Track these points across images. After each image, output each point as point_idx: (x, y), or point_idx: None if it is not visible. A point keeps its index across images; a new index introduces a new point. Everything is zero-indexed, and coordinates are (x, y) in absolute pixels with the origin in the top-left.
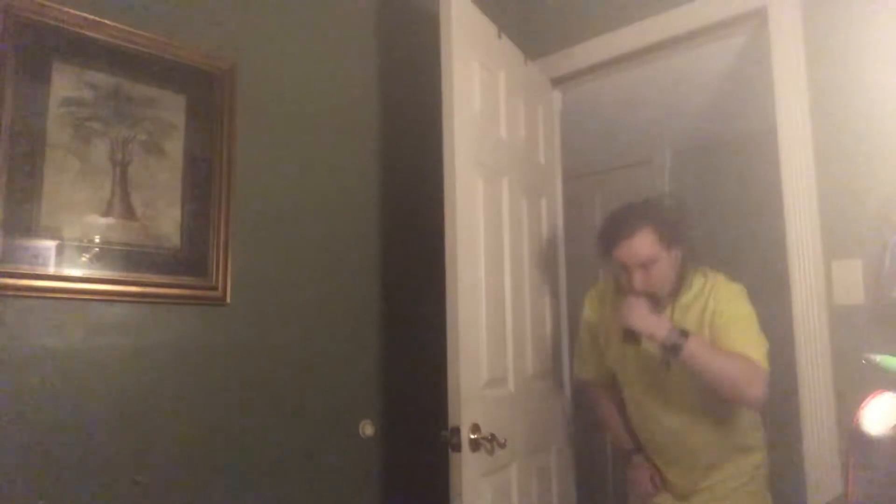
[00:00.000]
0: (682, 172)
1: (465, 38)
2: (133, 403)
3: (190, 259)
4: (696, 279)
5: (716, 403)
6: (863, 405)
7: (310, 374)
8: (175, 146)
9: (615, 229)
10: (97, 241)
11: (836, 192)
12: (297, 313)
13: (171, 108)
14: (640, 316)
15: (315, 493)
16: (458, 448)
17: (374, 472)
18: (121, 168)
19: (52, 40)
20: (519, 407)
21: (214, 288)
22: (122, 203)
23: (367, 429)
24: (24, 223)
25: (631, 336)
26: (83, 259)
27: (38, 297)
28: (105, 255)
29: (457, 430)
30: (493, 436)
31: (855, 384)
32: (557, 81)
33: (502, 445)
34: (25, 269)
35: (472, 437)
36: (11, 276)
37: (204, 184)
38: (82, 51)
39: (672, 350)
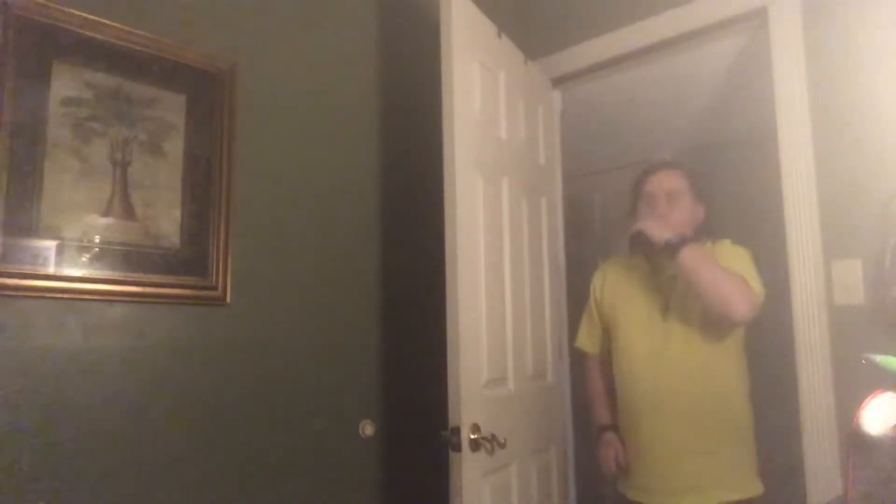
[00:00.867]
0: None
1: (465, 38)
2: (133, 403)
3: (190, 259)
4: (709, 246)
5: (718, 369)
6: (863, 405)
7: (310, 374)
8: (175, 146)
9: (649, 167)
10: (97, 241)
11: (836, 192)
12: (297, 313)
13: (171, 108)
14: (653, 221)
15: (315, 493)
16: (458, 448)
17: (374, 472)
18: (121, 168)
19: (52, 40)
20: (519, 407)
21: (214, 288)
22: (122, 203)
23: (367, 429)
24: (24, 223)
25: (637, 242)
26: (83, 259)
27: (38, 297)
28: (105, 255)
29: (457, 430)
30: (493, 436)
31: (855, 384)
32: (557, 81)
33: (502, 445)
34: (25, 269)
35: (472, 437)
36: (11, 276)
37: (204, 184)
38: (82, 51)
39: (673, 249)
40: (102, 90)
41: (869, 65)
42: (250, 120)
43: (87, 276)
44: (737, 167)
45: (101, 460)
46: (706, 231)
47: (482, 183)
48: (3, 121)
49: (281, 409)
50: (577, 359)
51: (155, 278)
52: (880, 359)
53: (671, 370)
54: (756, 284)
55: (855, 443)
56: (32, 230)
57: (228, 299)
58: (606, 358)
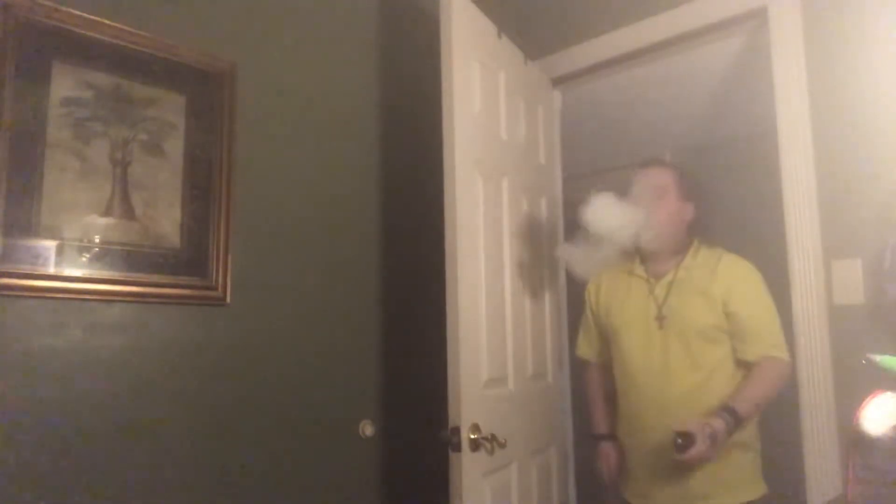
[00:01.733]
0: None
1: (465, 38)
2: (133, 403)
3: (190, 259)
4: (703, 251)
5: (718, 376)
6: (863, 405)
7: (310, 374)
8: (175, 146)
9: (639, 164)
10: (97, 241)
11: (836, 192)
12: (297, 313)
13: (171, 108)
14: (699, 450)
15: (315, 493)
16: (458, 448)
17: (374, 472)
18: (121, 168)
19: (52, 40)
20: (519, 407)
21: (214, 288)
22: (122, 203)
23: (367, 429)
24: (24, 223)
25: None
26: (83, 259)
27: (38, 297)
28: (105, 255)
29: (457, 430)
30: (493, 436)
31: (855, 384)
32: (557, 81)
33: (502, 445)
34: (25, 269)
35: (472, 437)
36: (11, 276)
37: (204, 184)
38: (82, 51)
39: (736, 428)
40: (102, 90)
41: (869, 65)
42: (250, 120)
43: (87, 276)
44: (737, 167)
45: (101, 460)
46: (698, 231)
47: (482, 183)
48: (3, 121)
49: (281, 410)
50: (577, 359)
51: (155, 278)
52: (880, 359)
53: (671, 379)
54: (781, 346)
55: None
56: (32, 230)
57: (228, 299)
58: (607, 362)
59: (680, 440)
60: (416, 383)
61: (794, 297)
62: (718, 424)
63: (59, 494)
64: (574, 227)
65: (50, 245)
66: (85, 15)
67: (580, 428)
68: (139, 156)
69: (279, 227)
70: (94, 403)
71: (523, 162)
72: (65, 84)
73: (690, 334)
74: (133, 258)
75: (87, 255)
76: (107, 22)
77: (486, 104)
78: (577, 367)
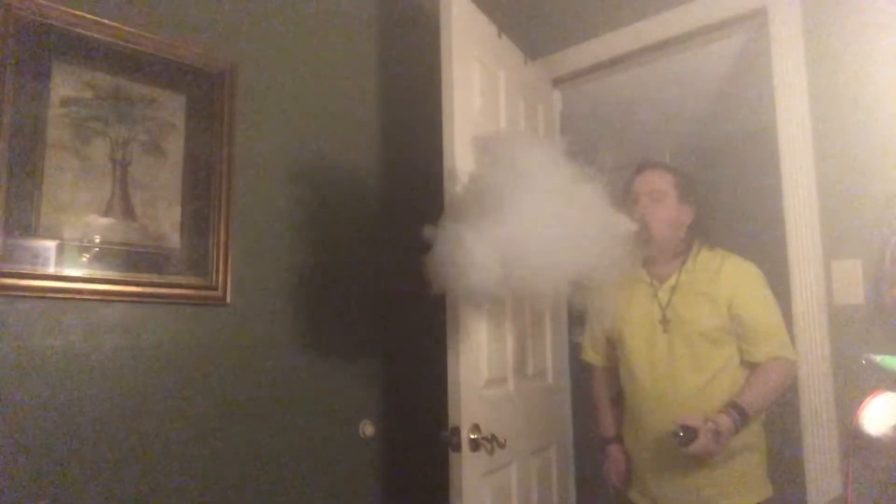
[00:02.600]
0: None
1: (465, 38)
2: (133, 403)
3: (190, 259)
4: (704, 252)
5: (723, 380)
6: (863, 405)
7: (310, 374)
8: (175, 146)
9: (637, 166)
10: (97, 241)
11: (836, 192)
12: (297, 313)
13: (171, 108)
14: (702, 444)
15: (315, 493)
16: (458, 448)
17: (374, 472)
18: (121, 168)
19: (52, 40)
20: (519, 407)
21: (214, 288)
22: (122, 203)
23: (367, 429)
24: (24, 223)
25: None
26: (83, 259)
27: (38, 297)
28: (105, 255)
29: (457, 430)
30: (493, 436)
31: (855, 384)
32: (557, 81)
33: (502, 445)
34: (25, 269)
35: (472, 437)
36: (11, 276)
37: (204, 184)
38: (82, 51)
39: (743, 425)
40: (102, 90)
41: (869, 65)
42: (250, 120)
43: (87, 276)
44: (737, 167)
45: (101, 459)
46: (698, 233)
47: None
48: (3, 121)
49: (281, 409)
50: (581, 362)
51: (155, 278)
52: (880, 359)
53: (677, 382)
54: (787, 345)
55: (855, 443)
56: (32, 230)
57: (228, 299)
58: (613, 366)
59: (681, 433)
60: (416, 383)
61: (794, 297)
62: (724, 421)
63: (58, 494)
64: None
65: (50, 245)
66: (85, 15)
67: (580, 428)
68: (139, 156)
69: (279, 227)
70: (94, 403)
71: None
72: (65, 84)
73: (695, 337)
74: (133, 258)
75: (87, 255)
76: (107, 22)
77: (486, 104)
78: (577, 368)
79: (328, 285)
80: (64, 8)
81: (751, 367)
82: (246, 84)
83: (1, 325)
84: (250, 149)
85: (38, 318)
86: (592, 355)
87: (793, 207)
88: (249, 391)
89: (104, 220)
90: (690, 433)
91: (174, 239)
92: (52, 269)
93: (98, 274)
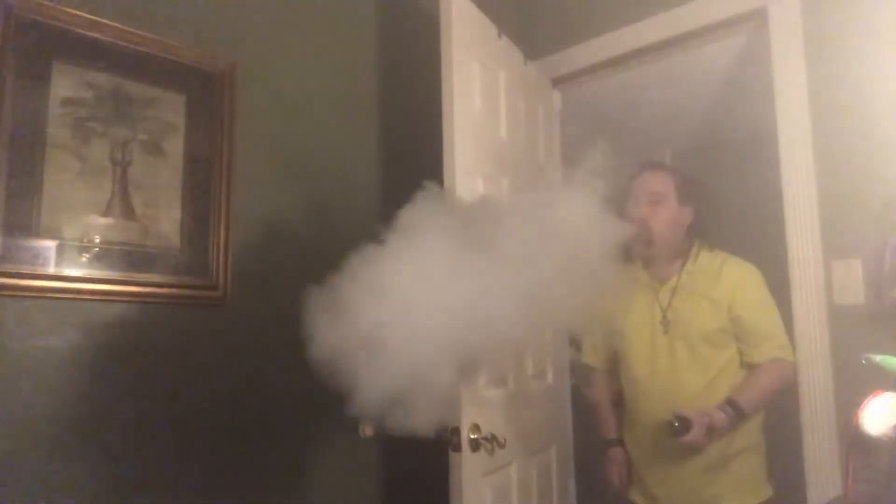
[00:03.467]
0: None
1: (465, 38)
2: (133, 403)
3: (190, 259)
4: (704, 253)
5: (723, 383)
6: (863, 405)
7: (310, 374)
8: (175, 146)
9: (637, 168)
10: (97, 241)
11: (836, 192)
12: (297, 313)
13: (171, 108)
14: (695, 436)
15: (315, 493)
16: (458, 448)
17: (374, 472)
18: (121, 168)
19: (52, 40)
20: (519, 407)
21: (214, 288)
22: (122, 203)
23: (367, 429)
24: (24, 223)
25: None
26: (83, 259)
27: (38, 297)
28: (105, 255)
29: (457, 430)
30: (493, 436)
31: (855, 384)
32: (557, 81)
33: (502, 445)
34: (25, 269)
35: (472, 437)
36: (11, 276)
37: (204, 184)
38: (82, 51)
39: (738, 422)
40: (102, 90)
41: (869, 65)
42: (250, 120)
43: (87, 276)
44: (737, 167)
45: (101, 459)
46: (697, 233)
47: (482, 183)
48: (3, 121)
49: (281, 409)
50: (583, 364)
51: (155, 278)
52: (880, 359)
53: (677, 384)
54: (786, 347)
55: (855, 443)
56: (32, 230)
57: (228, 299)
58: (613, 367)
59: (677, 423)
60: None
61: (794, 298)
62: (719, 416)
63: (58, 494)
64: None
65: (50, 245)
66: (85, 15)
67: (580, 428)
68: (139, 156)
69: (279, 227)
70: (93, 403)
71: (523, 162)
72: (65, 84)
73: (696, 339)
74: (133, 258)
75: (87, 255)
76: (107, 22)
77: (486, 104)
78: (577, 368)
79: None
80: (64, 8)
81: (750, 368)
82: (246, 84)
83: (1, 325)
84: (250, 149)
85: (38, 318)
86: (592, 357)
87: (793, 207)
88: (249, 391)
89: (104, 220)
90: (685, 424)
91: (174, 239)
92: (52, 269)
93: (98, 274)
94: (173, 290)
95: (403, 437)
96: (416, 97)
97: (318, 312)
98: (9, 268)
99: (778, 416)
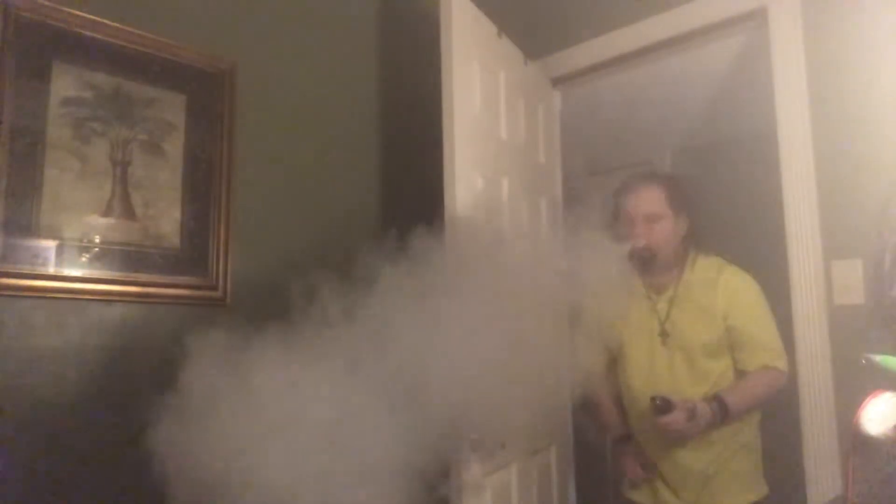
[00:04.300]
0: (681, 172)
1: (465, 38)
2: (133, 403)
3: (190, 259)
4: (700, 261)
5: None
6: (863, 405)
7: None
8: (175, 146)
9: (626, 184)
10: (97, 241)
11: (836, 192)
12: (297, 313)
13: (171, 108)
14: (680, 429)
15: None
16: (458, 448)
17: None
18: (121, 168)
19: (52, 40)
20: (519, 407)
21: (214, 288)
22: (122, 203)
23: None
24: (24, 223)
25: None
26: (83, 259)
27: (38, 297)
28: (105, 255)
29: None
30: (493, 436)
31: (855, 384)
32: (557, 81)
33: (502, 445)
34: (25, 269)
35: (472, 437)
36: (11, 276)
37: (204, 184)
38: (82, 51)
39: (722, 420)
40: (102, 90)
41: (869, 64)
42: (250, 120)
43: (87, 276)
44: (737, 167)
45: (101, 459)
46: (693, 241)
47: (482, 183)
48: (3, 121)
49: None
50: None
51: (155, 278)
52: (880, 359)
53: (676, 393)
54: (779, 358)
55: (855, 443)
56: (32, 230)
57: (228, 299)
58: (612, 368)
59: (658, 401)
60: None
61: (794, 298)
62: (703, 407)
63: (57, 494)
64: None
65: (50, 245)
66: (85, 15)
67: (580, 428)
68: (139, 156)
69: (279, 227)
70: (93, 403)
71: (523, 162)
72: (65, 84)
73: (694, 350)
74: (133, 258)
75: (87, 255)
76: (107, 22)
77: (486, 104)
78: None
79: (328, 285)
80: (64, 8)
81: (742, 374)
82: (246, 84)
83: (1, 325)
84: (250, 149)
85: (38, 318)
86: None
87: (793, 207)
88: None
89: (104, 220)
90: (667, 405)
91: (174, 239)
92: (52, 269)
93: (98, 274)
94: (173, 290)
95: None
96: (416, 97)
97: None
98: (9, 268)
99: (778, 415)
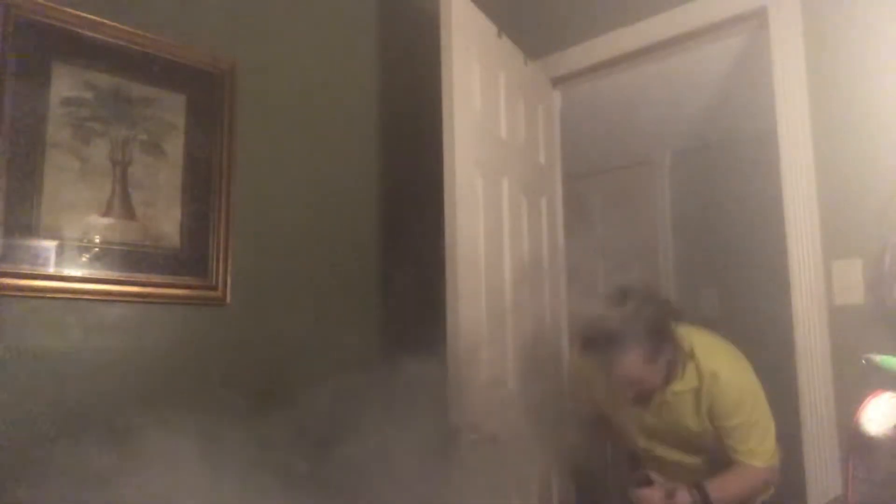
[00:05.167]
0: (681, 172)
1: (465, 38)
2: (132, 403)
3: (190, 259)
4: (689, 369)
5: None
6: (863, 405)
7: (310, 374)
8: (175, 146)
9: (601, 348)
10: (97, 241)
11: (836, 192)
12: (298, 313)
13: (171, 108)
14: (648, 497)
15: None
16: (458, 448)
17: None
18: (121, 168)
19: (52, 40)
20: (519, 407)
21: (214, 288)
22: (122, 203)
23: None
24: (24, 223)
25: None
26: (83, 259)
27: (38, 297)
28: (105, 255)
29: (457, 430)
30: (493, 436)
31: (855, 384)
32: (557, 81)
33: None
34: (25, 269)
35: (472, 437)
36: (11, 276)
37: (204, 184)
38: (82, 51)
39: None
40: (102, 90)
41: (869, 65)
42: (250, 120)
43: (87, 276)
44: (737, 167)
45: (101, 460)
46: (675, 354)
47: (482, 183)
48: (4, 121)
49: (280, 410)
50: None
51: (155, 278)
52: (880, 359)
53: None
54: (768, 454)
55: (855, 443)
56: (32, 230)
57: (228, 299)
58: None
59: (639, 474)
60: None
61: (794, 298)
62: (682, 493)
63: (60, 493)
64: (573, 227)
65: (50, 245)
66: (85, 15)
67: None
68: (139, 156)
69: (279, 227)
70: (93, 404)
71: (523, 162)
72: (65, 84)
73: (684, 442)
74: (133, 258)
75: (87, 255)
76: (107, 22)
77: (486, 104)
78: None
79: (329, 285)
80: (64, 8)
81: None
82: (246, 84)
83: (1, 325)
84: (250, 149)
85: (38, 318)
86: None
87: (793, 207)
88: (249, 392)
89: (104, 220)
90: (647, 480)
91: (174, 239)
92: (52, 269)
93: (98, 274)
94: (173, 290)
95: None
96: (416, 97)
97: None
98: (9, 268)
99: (778, 415)
